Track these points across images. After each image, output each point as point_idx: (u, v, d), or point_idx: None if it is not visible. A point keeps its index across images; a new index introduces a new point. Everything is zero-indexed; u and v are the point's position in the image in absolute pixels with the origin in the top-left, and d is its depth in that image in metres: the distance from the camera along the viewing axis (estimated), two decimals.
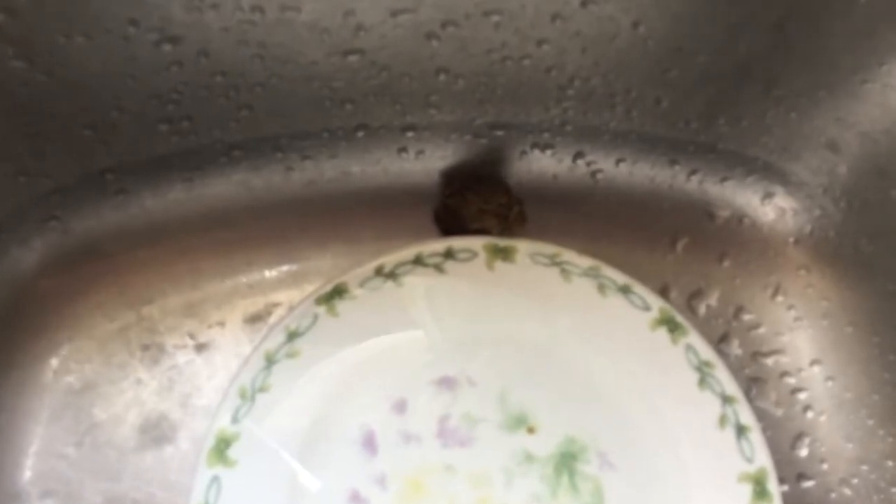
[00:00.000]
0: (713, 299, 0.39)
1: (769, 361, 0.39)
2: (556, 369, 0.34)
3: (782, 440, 0.38)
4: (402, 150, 0.38)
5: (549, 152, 0.38)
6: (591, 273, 0.33)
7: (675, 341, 0.33)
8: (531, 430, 0.34)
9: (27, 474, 0.35)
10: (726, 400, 0.33)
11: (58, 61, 0.29)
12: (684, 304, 0.39)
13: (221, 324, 0.38)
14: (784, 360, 0.39)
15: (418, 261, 0.33)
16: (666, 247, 0.40)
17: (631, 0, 0.30)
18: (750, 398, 0.35)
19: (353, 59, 0.32)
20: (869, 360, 0.37)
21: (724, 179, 0.39)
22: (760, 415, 0.36)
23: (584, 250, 0.33)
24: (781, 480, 0.34)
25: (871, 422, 0.37)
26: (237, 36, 0.30)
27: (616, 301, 0.33)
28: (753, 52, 0.32)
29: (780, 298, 0.39)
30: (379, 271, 0.33)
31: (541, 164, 0.39)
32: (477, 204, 0.37)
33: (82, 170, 0.35)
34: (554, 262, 0.33)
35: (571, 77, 0.34)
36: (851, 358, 0.38)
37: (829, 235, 0.39)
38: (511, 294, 0.34)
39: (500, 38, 0.31)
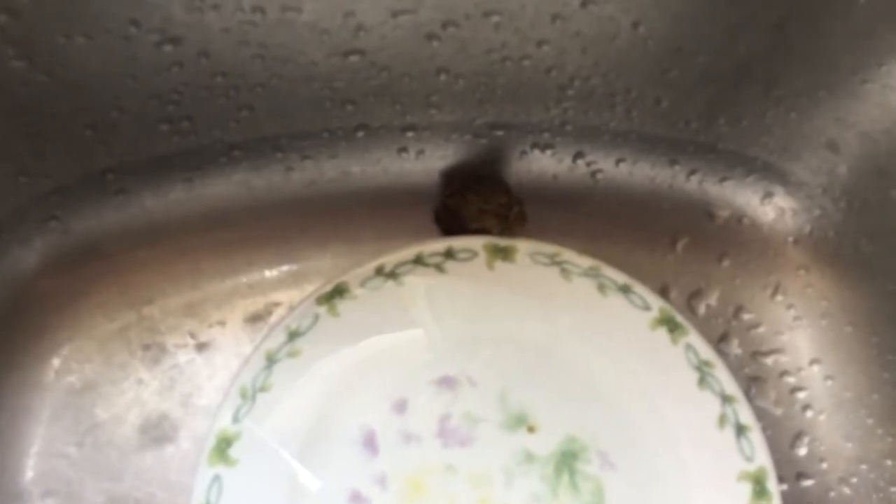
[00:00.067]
0: (713, 299, 0.39)
1: (769, 361, 0.39)
2: (556, 369, 0.34)
3: (782, 439, 0.38)
4: (403, 150, 0.38)
5: (549, 152, 0.38)
6: (591, 273, 0.33)
7: (674, 341, 0.33)
8: (531, 430, 0.34)
9: (28, 474, 0.35)
10: (726, 399, 0.33)
11: (58, 61, 0.29)
12: (684, 304, 0.39)
13: (222, 323, 0.38)
14: (783, 360, 0.39)
15: (419, 260, 0.33)
16: (666, 247, 0.40)
17: (631, 0, 0.30)
18: (749, 397, 0.35)
19: (353, 59, 0.32)
20: (868, 359, 0.37)
21: (723, 179, 0.39)
22: (760, 414, 0.36)
23: (584, 250, 0.33)
24: (781, 479, 0.34)
25: (870, 421, 0.37)
26: (238, 36, 0.30)
27: (616, 301, 0.33)
28: (753, 52, 0.32)
29: (779, 298, 0.39)
30: (379, 271, 0.33)
31: (541, 164, 0.39)
32: (477, 204, 0.37)
33: (82, 170, 0.35)
34: (554, 261, 0.33)
35: (571, 77, 0.34)
36: (851, 357, 0.38)
37: (829, 235, 0.39)
38: (511, 294, 0.34)
39: (500, 39, 0.31)
